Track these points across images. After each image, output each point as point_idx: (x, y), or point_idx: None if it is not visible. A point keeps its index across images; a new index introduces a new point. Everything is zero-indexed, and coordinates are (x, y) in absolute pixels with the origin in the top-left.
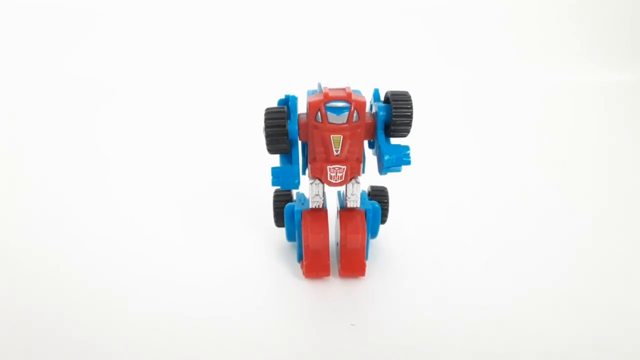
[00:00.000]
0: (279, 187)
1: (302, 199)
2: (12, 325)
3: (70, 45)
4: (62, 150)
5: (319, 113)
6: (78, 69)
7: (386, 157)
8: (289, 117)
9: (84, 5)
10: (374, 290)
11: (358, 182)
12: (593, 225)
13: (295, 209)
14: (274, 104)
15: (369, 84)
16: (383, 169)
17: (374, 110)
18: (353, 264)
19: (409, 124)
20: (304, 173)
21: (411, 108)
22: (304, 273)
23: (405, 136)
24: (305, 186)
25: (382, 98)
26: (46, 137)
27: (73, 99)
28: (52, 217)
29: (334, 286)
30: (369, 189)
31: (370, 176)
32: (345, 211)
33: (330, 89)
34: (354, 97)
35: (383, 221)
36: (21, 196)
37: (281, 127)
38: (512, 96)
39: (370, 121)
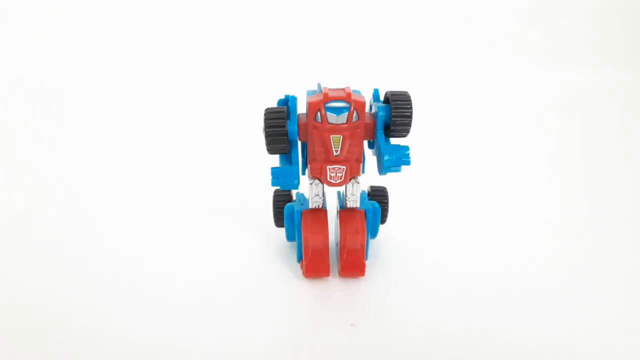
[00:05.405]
0: (278, 187)
1: (302, 199)
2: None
3: (69, 46)
4: (61, 151)
5: (318, 113)
6: (78, 69)
7: (386, 157)
8: (288, 117)
9: (84, 5)
10: (373, 290)
11: (358, 182)
12: (596, 226)
13: (295, 209)
14: (273, 104)
15: (369, 84)
16: (383, 169)
17: (373, 111)
18: (353, 264)
19: (409, 124)
20: (303, 173)
21: (411, 108)
22: (303, 273)
23: (405, 136)
24: (305, 186)
25: (381, 98)
26: (44, 137)
27: (73, 99)
28: (48, 218)
29: (334, 286)
30: (369, 189)
31: (370, 176)
32: (345, 211)
33: (329, 89)
34: (353, 97)
35: (383, 221)
36: (12, 197)
37: (281, 127)
38: (512, 96)
39: (370, 121)
